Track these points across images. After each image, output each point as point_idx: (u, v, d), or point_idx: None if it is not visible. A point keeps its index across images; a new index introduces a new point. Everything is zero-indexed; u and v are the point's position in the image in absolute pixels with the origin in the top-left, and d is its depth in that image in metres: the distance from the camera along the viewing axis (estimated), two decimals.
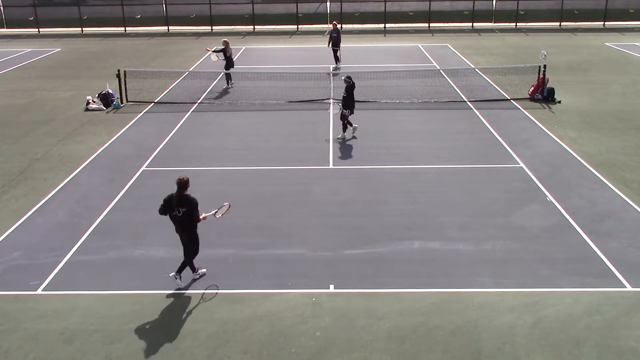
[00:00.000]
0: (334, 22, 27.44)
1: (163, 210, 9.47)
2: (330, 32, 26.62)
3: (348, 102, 16.44)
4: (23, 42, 35.85)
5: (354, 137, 16.87)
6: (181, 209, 9.31)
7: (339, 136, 16.70)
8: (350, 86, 16.43)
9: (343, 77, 16.77)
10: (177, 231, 9.67)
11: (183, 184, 9.27)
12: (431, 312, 8.97)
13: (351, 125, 16.85)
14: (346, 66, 26.43)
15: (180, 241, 9.81)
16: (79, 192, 13.52)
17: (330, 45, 26.41)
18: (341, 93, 21.31)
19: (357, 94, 21.33)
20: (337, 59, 26.57)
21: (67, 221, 12.09)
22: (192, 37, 37.27)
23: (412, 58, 28.92)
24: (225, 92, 22.55)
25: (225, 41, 23.32)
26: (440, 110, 19.63)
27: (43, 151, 16.20)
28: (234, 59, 23.61)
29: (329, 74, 24.32)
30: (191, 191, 10.00)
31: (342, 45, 26.83)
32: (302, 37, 35.94)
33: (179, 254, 10.69)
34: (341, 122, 16.67)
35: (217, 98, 21.57)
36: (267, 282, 9.86)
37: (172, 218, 9.48)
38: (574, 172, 14.19)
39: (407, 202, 12.74)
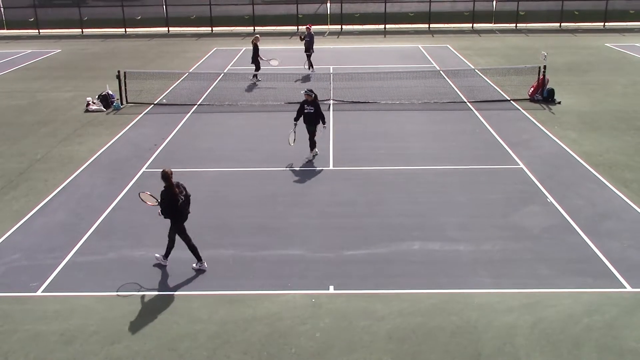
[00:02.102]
0: (308, 25, 26.45)
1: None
2: (304, 36, 25.18)
3: (317, 117, 14.89)
4: (23, 43, 35.89)
5: (351, 140, 16.88)
6: (183, 195, 9.84)
7: (308, 156, 15.31)
8: (314, 100, 14.87)
9: (304, 91, 15.02)
10: (184, 218, 9.98)
11: (170, 173, 9.71)
12: (431, 313, 8.97)
13: (314, 147, 15.37)
14: (347, 67, 26.46)
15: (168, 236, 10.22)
16: (79, 193, 13.52)
17: (304, 50, 25.30)
18: (341, 93, 21.46)
19: (358, 95, 21.50)
20: (310, 64, 25.46)
21: (67, 222, 12.09)
22: (192, 38, 37.31)
23: (412, 59, 28.93)
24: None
25: (256, 37, 24.04)
26: (441, 111, 19.63)
27: (43, 152, 16.21)
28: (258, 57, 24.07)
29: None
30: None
31: (342, 46, 26.72)
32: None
33: (178, 254, 10.71)
34: (311, 140, 15.23)
35: (217, 99, 21.58)
36: (267, 282, 9.86)
37: (180, 207, 9.80)
38: (574, 173, 14.20)
39: (407, 202, 12.75)
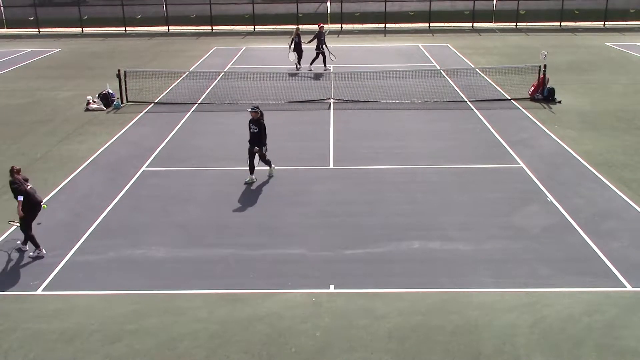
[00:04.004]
0: (321, 24, 26.77)
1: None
2: (318, 35, 25.54)
3: (261, 137, 13.54)
4: (23, 42, 35.87)
5: (351, 139, 16.87)
6: (30, 188, 10.53)
7: (269, 174, 14.13)
8: (259, 118, 13.46)
9: (249, 109, 13.58)
10: (38, 206, 10.66)
11: (16, 169, 10.51)
12: (431, 312, 8.97)
13: (270, 164, 14.15)
14: (347, 66, 26.43)
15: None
16: (79, 192, 13.52)
17: (323, 48, 25.58)
18: (341, 92, 21.45)
19: (358, 94, 21.49)
20: (325, 62, 25.86)
21: (67, 221, 12.09)
22: (193, 37, 37.29)
23: (412, 58, 28.92)
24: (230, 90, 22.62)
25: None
26: (441, 110, 19.63)
27: (43, 151, 16.21)
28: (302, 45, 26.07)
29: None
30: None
31: (343, 45, 26.73)
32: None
33: (179, 254, 10.73)
34: (263, 162, 13.94)
35: (217, 98, 21.57)
36: (267, 282, 9.86)
37: (31, 191, 10.52)
38: (574, 172, 14.20)
39: (407, 202, 12.74)
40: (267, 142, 13.77)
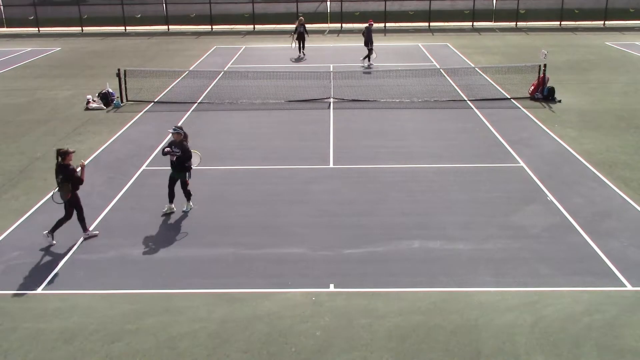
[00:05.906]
0: (370, 21, 27.25)
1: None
2: (367, 31, 26.44)
3: (184, 162, 11.88)
4: (23, 42, 35.85)
5: (352, 138, 16.87)
6: (59, 176, 10.81)
7: (185, 208, 12.38)
8: (182, 141, 11.88)
9: (171, 130, 12.03)
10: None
11: (62, 153, 10.76)
12: (431, 312, 8.97)
13: (189, 197, 12.40)
14: (347, 65, 26.44)
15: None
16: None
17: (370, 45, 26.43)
18: (341, 92, 21.45)
19: (358, 93, 21.49)
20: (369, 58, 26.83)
21: None
22: (192, 36, 37.28)
23: (412, 57, 28.91)
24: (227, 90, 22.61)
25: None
26: (441, 110, 19.62)
27: (43, 150, 16.20)
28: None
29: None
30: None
31: (343, 44, 26.84)
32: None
33: (178, 253, 10.73)
34: (183, 191, 12.27)
35: (217, 97, 21.56)
36: (267, 281, 9.86)
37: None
38: (574, 171, 14.20)
39: (407, 201, 12.74)
40: (271, 139, 13.32)
